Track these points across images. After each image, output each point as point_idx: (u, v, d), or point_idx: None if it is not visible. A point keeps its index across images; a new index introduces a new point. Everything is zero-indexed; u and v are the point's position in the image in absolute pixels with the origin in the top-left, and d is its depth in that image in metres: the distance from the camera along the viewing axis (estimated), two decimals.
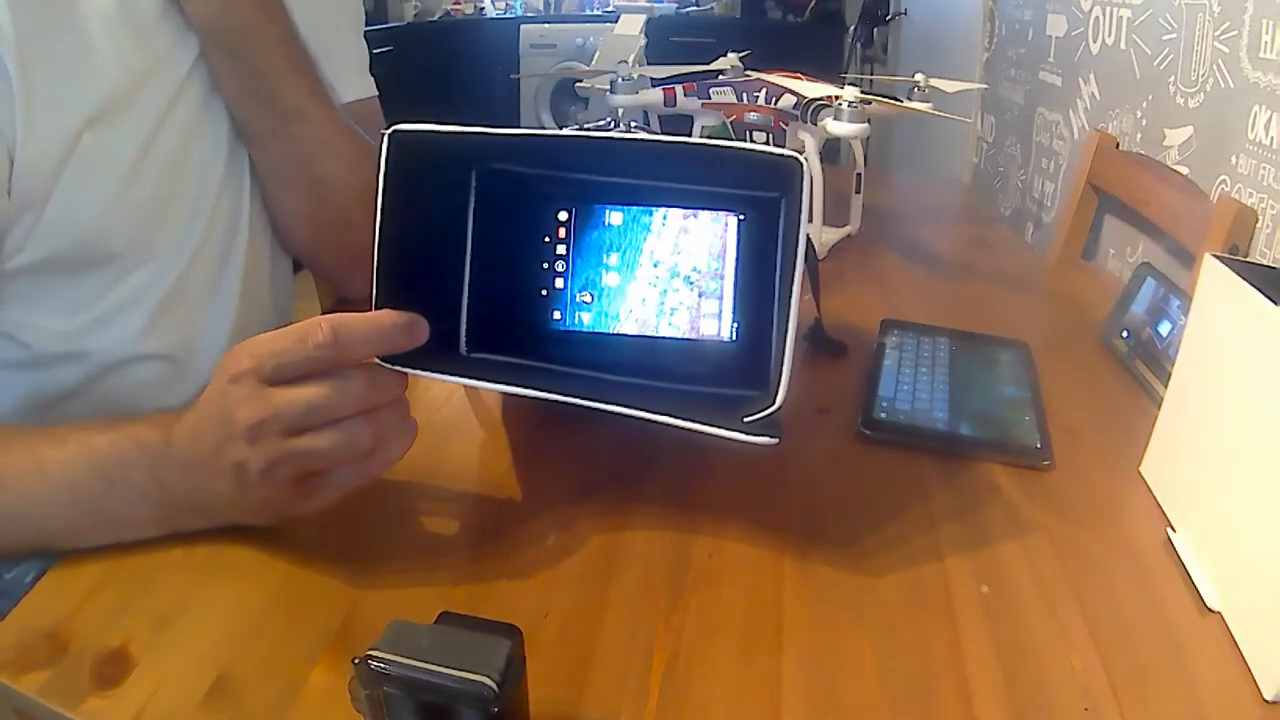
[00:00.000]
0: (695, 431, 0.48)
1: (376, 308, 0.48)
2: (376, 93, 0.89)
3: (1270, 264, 0.65)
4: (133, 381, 0.68)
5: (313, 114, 0.72)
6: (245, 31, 0.67)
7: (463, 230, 0.52)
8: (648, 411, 0.49)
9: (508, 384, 0.50)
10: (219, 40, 0.67)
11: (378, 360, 0.48)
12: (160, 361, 0.69)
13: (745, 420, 0.48)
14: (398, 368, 0.48)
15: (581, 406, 0.49)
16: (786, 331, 0.47)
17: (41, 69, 0.56)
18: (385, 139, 0.49)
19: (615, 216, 0.52)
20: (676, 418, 0.48)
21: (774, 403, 0.48)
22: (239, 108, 0.71)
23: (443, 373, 0.50)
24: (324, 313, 0.58)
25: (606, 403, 0.49)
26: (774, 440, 0.48)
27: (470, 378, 0.51)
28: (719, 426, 0.48)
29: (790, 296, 0.47)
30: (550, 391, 0.50)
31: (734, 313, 0.52)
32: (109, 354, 0.66)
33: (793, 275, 0.47)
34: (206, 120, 0.69)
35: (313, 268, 0.87)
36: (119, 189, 0.62)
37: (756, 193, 0.50)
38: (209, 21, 0.66)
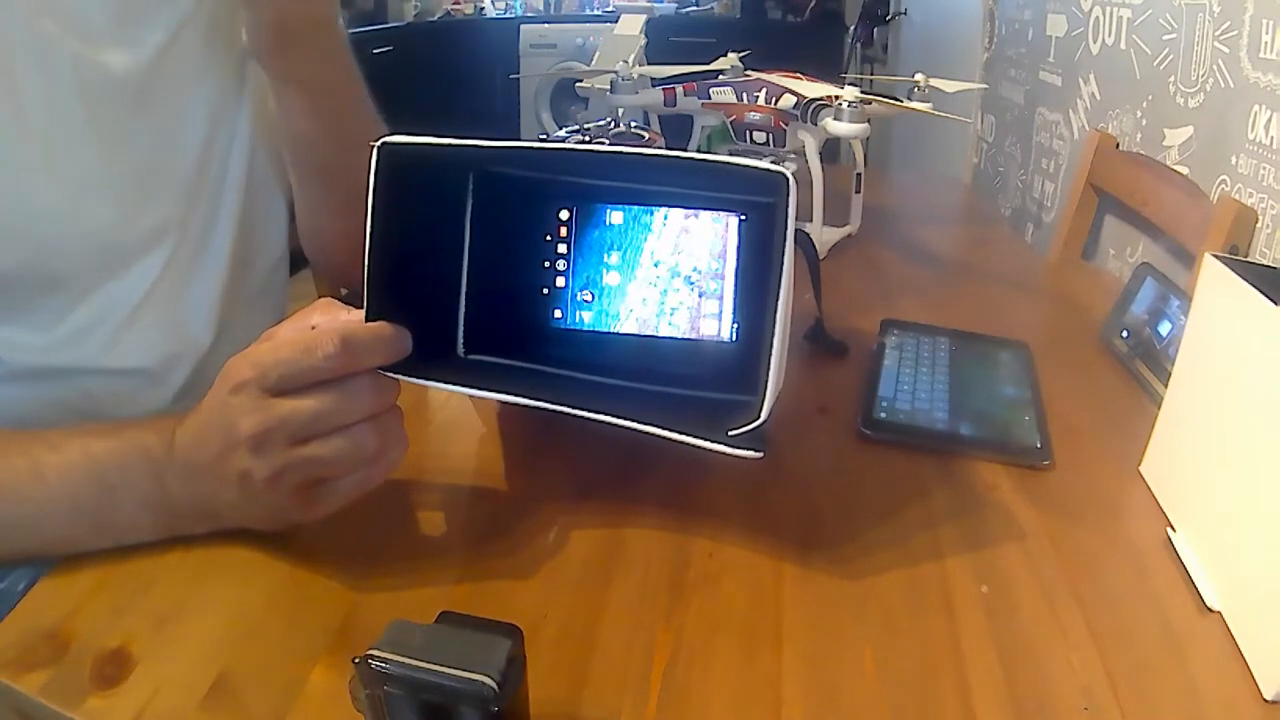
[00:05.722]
0: (681, 443, 0.48)
1: (369, 317, 0.47)
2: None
3: (1270, 264, 0.65)
4: (109, 394, 0.67)
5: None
6: (322, 28, 0.64)
7: (459, 232, 0.52)
8: (636, 421, 0.48)
9: (502, 391, 0.50)
10: (301, 44, 0.63)
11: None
12: (133, 376, 0.68)
13: (730, 434, 0.48)
14: (393, 375, 0.47)
15: (572, 415, 0.49)
16: (773, 348, 0.47)
17: None
18: (374, 151, 0.48)
19: (616, 216, 0.52)
20: (663, 428, 0.48)
21: (759, 417, 0.47)
22: (309, 141, 0.69)
23: (439, 379, 0.50)
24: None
25: (597, 410, 0.49)
26: (758, 454, 0.48)
27: (466, 384, 0.50)
28: (703, 439, 0.48)
29: (777, 310, 0.47)
30: (544, 399, 0.49)
31: (734, 313, 0.52)
32: (81, 369, 0.65)
33: (778, 289, 0.47)
34: (176, 135, 0.67)
35: (344, 281, 0.85)
36: (75, 201, 0.60)
37: (755, 197, 0.49)
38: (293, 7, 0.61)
